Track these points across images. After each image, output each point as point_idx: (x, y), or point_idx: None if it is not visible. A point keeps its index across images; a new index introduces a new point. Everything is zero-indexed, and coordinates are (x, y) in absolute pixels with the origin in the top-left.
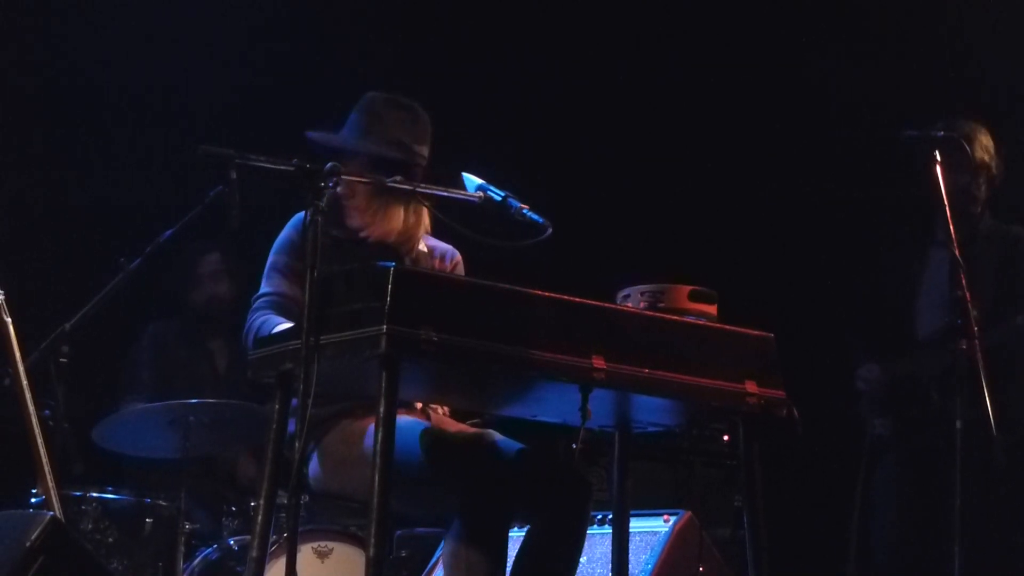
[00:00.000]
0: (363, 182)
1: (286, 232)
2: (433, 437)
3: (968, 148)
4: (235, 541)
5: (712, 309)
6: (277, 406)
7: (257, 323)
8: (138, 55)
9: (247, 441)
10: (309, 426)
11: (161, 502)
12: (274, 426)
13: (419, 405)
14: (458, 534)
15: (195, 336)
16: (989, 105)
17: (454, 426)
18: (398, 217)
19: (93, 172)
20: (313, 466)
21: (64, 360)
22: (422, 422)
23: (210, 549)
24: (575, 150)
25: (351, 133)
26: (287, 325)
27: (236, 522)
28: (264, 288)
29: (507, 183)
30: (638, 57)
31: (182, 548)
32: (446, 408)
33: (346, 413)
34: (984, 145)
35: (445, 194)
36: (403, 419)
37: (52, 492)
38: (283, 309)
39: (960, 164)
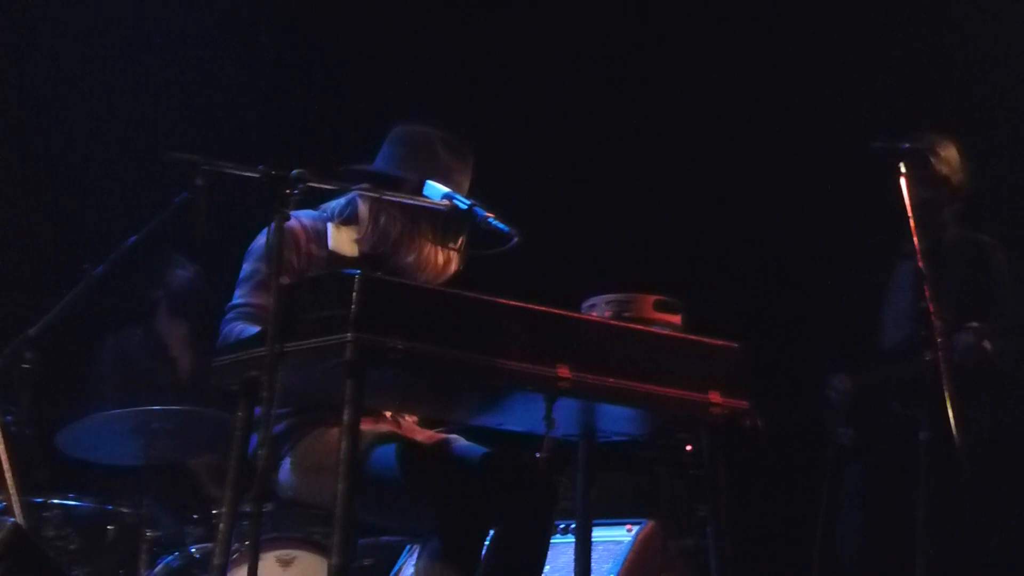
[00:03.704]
0: (329, 188)
1: (262, 238)
2: (406, 448)
3: (931, 161)
4: (197, 549)
5: (677, 319)
6: (240, 414)
7: (235, 331)
8: (103, 59)
9: (211, 448)
10: (282, 434)
11: (124, 509)
12: (238, 434)
13: (389, 414)
14: (435, 552)
15: (157, 344)
16: (957, 118)
17: (421, 434)
18: (429, 252)
19: (58, 178)
20: (285, 473)
21: (27, 366)
22: (393, 432)
23: (172, 557)
24: (542, 160)
25: (404, 166)
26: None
27: (199, 529)
28: (237, 298)
29: (472, 192)
30: (604, 68)
31: (144, 555)
32: (414, 417)
33: (320, 421)
34: (946, 158)
35: (411, 202)
36: (377, 430)
37: (14, 499)
38: (258, 320)
39: (924, 177)
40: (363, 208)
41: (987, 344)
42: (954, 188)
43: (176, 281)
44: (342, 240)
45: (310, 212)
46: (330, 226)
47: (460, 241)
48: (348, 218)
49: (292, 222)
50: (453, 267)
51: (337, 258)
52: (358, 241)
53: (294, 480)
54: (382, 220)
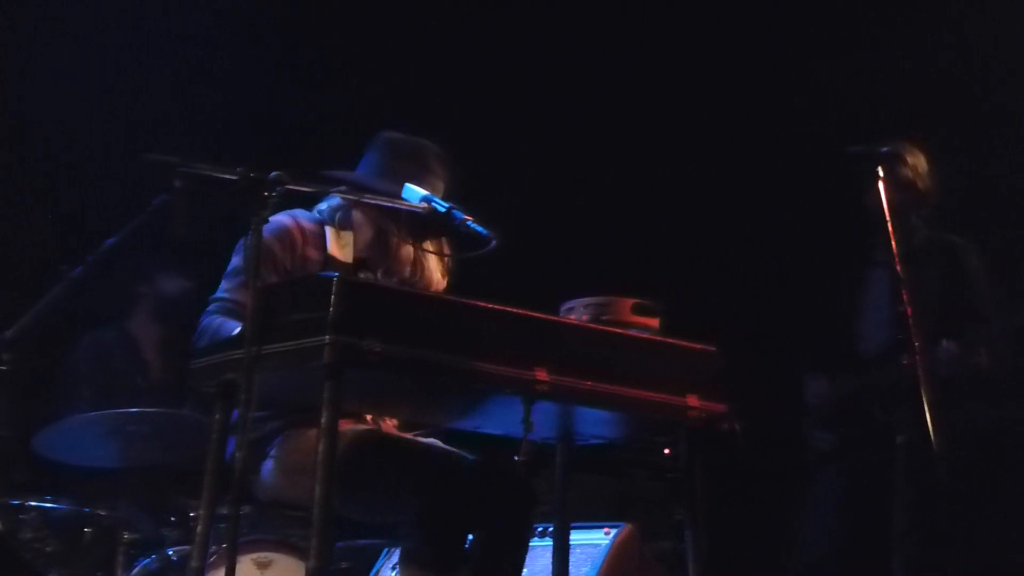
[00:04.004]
0: (304, 191)
1: None
2: (390, 445)
3: (902, 165)
4: (175, 551)
5: (655, 322)
6: (218, 416)
7: (214, 325)
8: (82, 61)
9: (187, 451)
10: (266, 436)
11: (101, 512)
12: (215, 436)
13: (369, 417)
14: (414, 553)
15: (131, 345)
16: (929, 122)
17: (401, 438)
18: (429, 264)
19: (35, 180)
20: (267, 475)
21: (4, 368)
22: (375, 431)
23: (149, 559)
24: (521, 163)
25: (384, 173)
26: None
27: (176, 532)
28: (221, 292)
29: (449, 194)
30: (581, 72)
31: (121, 558)
32: (394, 420)
33: (302, 423)
34: (915, 164)
35: (390, 205)
36: (359, 428)
37: None
38: (238, 316)
39: (896, 181)
40: (358, 214)
41: (983, 359)
42: (922, 193)
43: (168, 286)
44: (338, 244)
45: (307, 213)
46: (328, 230)
47: (440, 244)
48: (343, 222)
49: (288, 222)
50: (445, 282)
51: (334, 261)
52: (351, 245)
53: (276, 481)
54: (378, 226)
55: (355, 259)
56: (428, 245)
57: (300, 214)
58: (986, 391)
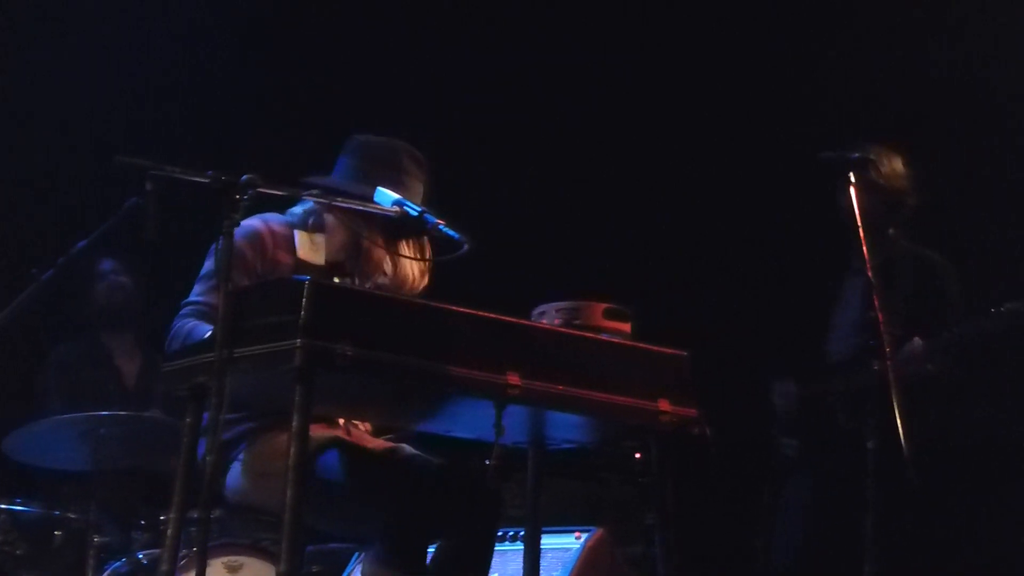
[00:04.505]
0: (277, 194)
1: None
2: (354, 453)
3: (877, 171)
4: (145, 555)
5: (626, 327)
6: (189, 419)
7: (185, 329)
8: (52, 61)
9: (158, 454)
10: (233, 439)
11: (71, 515)
12: (186, 440)
13: (341, 421)
14: (379, 557)
15: (101, 354)
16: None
17: (372, 443)
18: (378, 260)
19: (5, 182)
20: (234, 478)
21: None
22: (343, 439)
23: (119, 563)
24: (493, 167)
25: (358, 177)
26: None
27: (146, 536)
28: (193, 295)
29: (427, 196)
30: (553, 74)
31: (92, 561)
32: (367, 425)
33: (271, 427)
34: (891, 168)
35: (362, 208)
36: (325, 435)
37: None
38: (210, 319)
39: (870, 187)
40: (330, 218)
41: (929, 365)
42: (899, 199)
43: (103, 296)
44: (310, 248)
45: (278, 216)
46: (298, 233)
47: (417, 247)
48: (316, 226)
49: (259, 225)
50: (425, 281)
51: (304, 265)
52: (323, 248)
53: (242, 485)
54: (351, 230)
55: (327, 263)
56: (402, 248)
57: (271, 217)
58: (950, 395)
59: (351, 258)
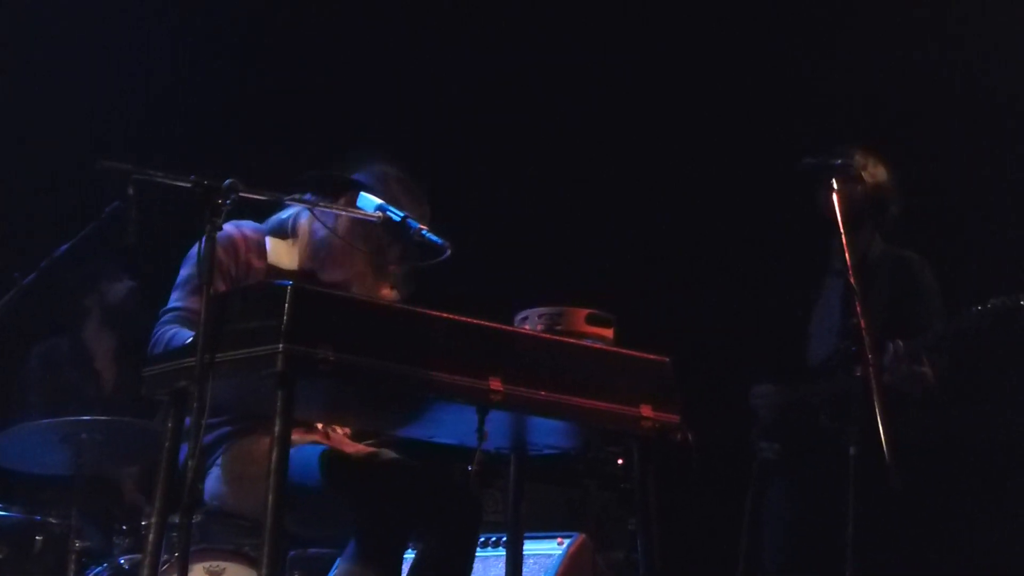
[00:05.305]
0: (259, 199)
1: None
2: (330, 457)
3: (859, 177)
4: (126, 560)
5: (609, 333)
6: (170, 424)
7: (167, 336)
8: (34, 64)
9: (139, 459)
10: (212, 443)
11: (52, 519)
12: (167, 444)
13: (320, 425)
14: (353, 555)
15: (83, 355)
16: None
17: (351, 447)
18: (363, 269)
19: None
20: (213, 483)
21: None
22: (321, 443)
23: (100, 568)
24: (474, 174)
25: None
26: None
27: (127, 540)
28: (173, 302)
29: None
30: (533, 78)
31: (72, 566)
32: (346, 429)
33: (248, 431)
34: (873, 175)
35: (344, 213)
36: (302, 440)
37: None
38: (192, 324)
39: (852, 192)
40: (303, 222)
41: (926, 369)
42: (881, 204)
43: (112, 293)
44: (281, 253)
45: (253, 224)
46: (269, 239)
47: (395, 254)
48: (286, 231)
49: (232, 230)
50: (388, 289)
51: (276, 270)
52: (297, 254)
53: (220, 490)
54: (320, 234)
55: (300, 269)
56: (381, 254)
57: (243, 223)
58: (931, 398)
59: (328, 264)
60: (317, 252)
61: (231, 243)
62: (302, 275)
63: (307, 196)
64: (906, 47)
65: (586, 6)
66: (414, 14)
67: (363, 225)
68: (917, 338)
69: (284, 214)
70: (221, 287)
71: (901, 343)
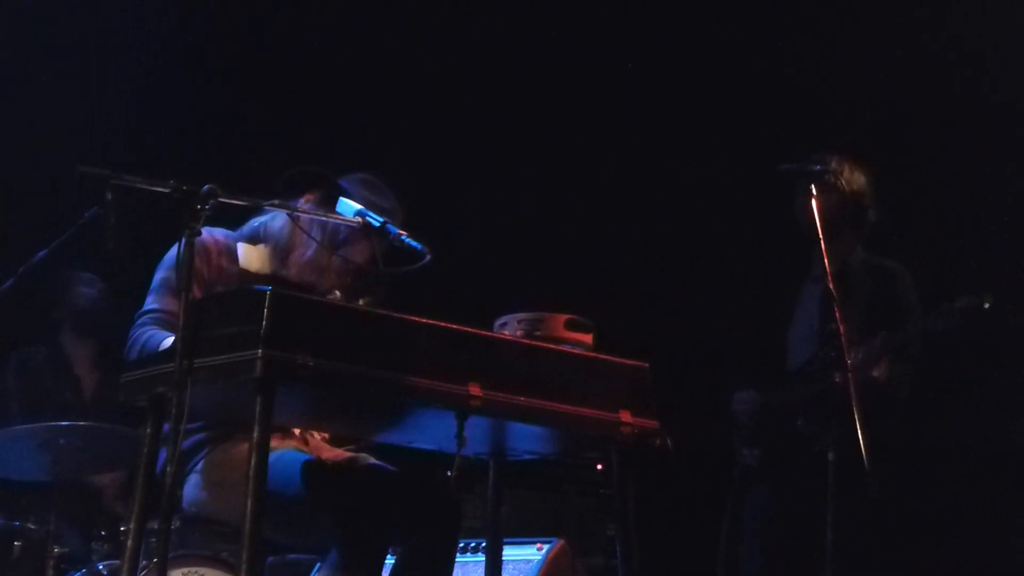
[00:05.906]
0: (239, 204)
1: (175, 250)
2: (309, 464)
3: (838, 182)
4: (105, 566)
5: (588, 338)
6: (149, 430)
7: (144, 337)
8: (11, 69)
9: (118, 465)
10: (190, 449)
11: (30, 525)
12: (146, 450)
13: (297, 431)
14: (335, 563)
15: (62, 363)
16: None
17: (330, 452)
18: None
19: None
20: (191, 489)
21: None
22: (300, 449)
23: (79, 573)
24: (455, 178)
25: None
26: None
27: (106, 546)
28: (150, 304)
29: (384, 209)
30: (515, 82)
31: (51, 572)
32: (324, 434)
33: (227, 437)
34: (853, 180)
35: (324, 219)
36: (280, 445)
37: None
38: (169, 326)
39: (831, 198)
40: (275, 226)
41: (881, 372)
42: (859, 210)
43: (80, 300)
44: (252, 257)
45: (225, 230)
46: (240, 245)
47: (374, 259)
48: (258, 236)
49: (204, 236)
50: (365, 294)
51: (247, 275)
52: (267, 258)
53: (199, 496)
54: (307, 240)
55: (272, 272)
56: (358, 259)
57: (214, 229)
58: (894, 405)
59: (303, 269)
60: (292, 256)
61: (203, 247)
62: (274, 279)
63: (291, 202)
64: (906, 47)
65: (574, 12)
66: (389, 17)
67: (342, 230)
68: (888, 336)
69: (256, 221)
70: (195, 292)
71: (858, 349)
